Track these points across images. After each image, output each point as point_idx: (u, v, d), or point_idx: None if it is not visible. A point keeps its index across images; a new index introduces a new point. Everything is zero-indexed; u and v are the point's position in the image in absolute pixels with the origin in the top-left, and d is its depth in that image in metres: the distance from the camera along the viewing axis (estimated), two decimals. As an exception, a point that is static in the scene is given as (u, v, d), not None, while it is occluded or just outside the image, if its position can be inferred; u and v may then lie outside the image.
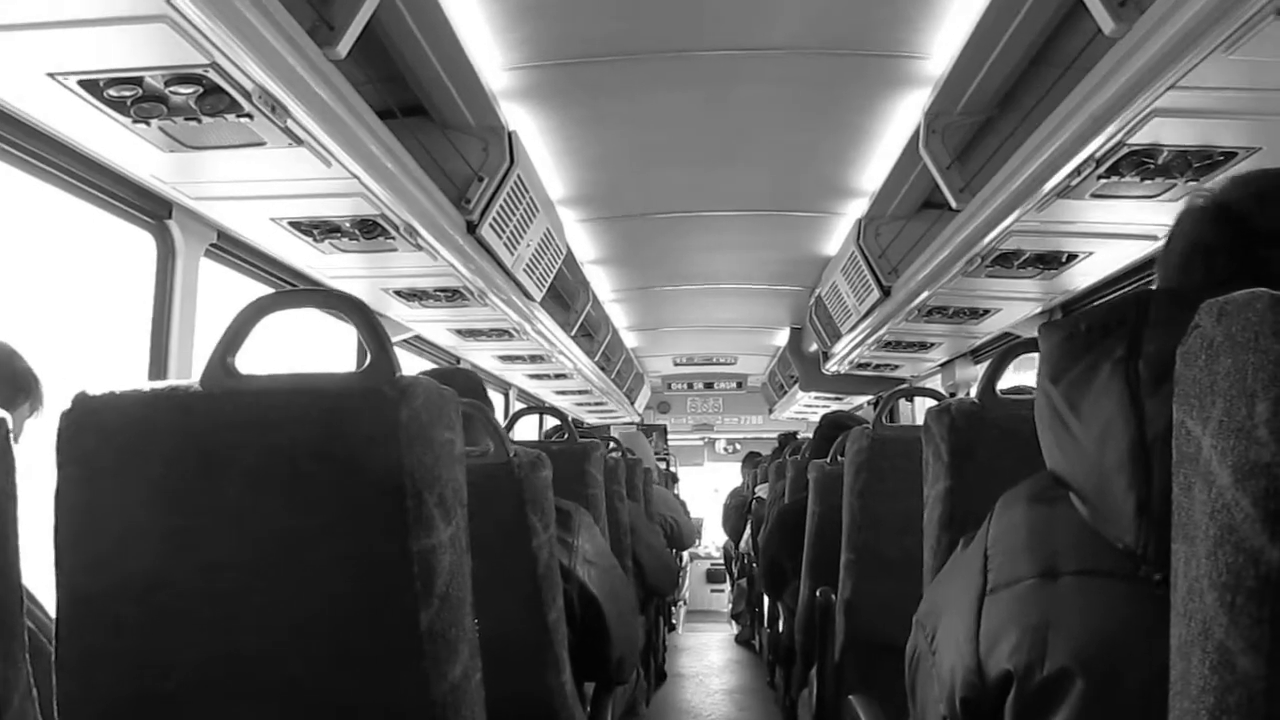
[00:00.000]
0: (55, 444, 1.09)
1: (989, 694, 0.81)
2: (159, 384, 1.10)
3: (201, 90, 1.66)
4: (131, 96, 1.68)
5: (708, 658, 6.54)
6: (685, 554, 7.79)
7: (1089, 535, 0.79)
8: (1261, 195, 0.84)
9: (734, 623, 7.73)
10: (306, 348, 3.48)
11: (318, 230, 2.51)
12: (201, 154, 1.96)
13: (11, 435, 0.90)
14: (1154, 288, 0.85)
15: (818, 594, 2.61)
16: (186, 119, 1.77)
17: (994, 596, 0.84)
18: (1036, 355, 0.90)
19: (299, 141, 1.87)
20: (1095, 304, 0.84)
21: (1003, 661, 0.78)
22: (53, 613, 1.12)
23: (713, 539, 9.58)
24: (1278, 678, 0.52)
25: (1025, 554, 0.83)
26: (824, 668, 2.58)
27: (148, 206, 2.27)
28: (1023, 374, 2.46)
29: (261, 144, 1.89)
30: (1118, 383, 0.75)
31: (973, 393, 1.51)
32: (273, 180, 2.14)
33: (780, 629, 3.86)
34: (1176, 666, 0.59)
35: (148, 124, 1.79)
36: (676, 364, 9.08)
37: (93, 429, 1.09)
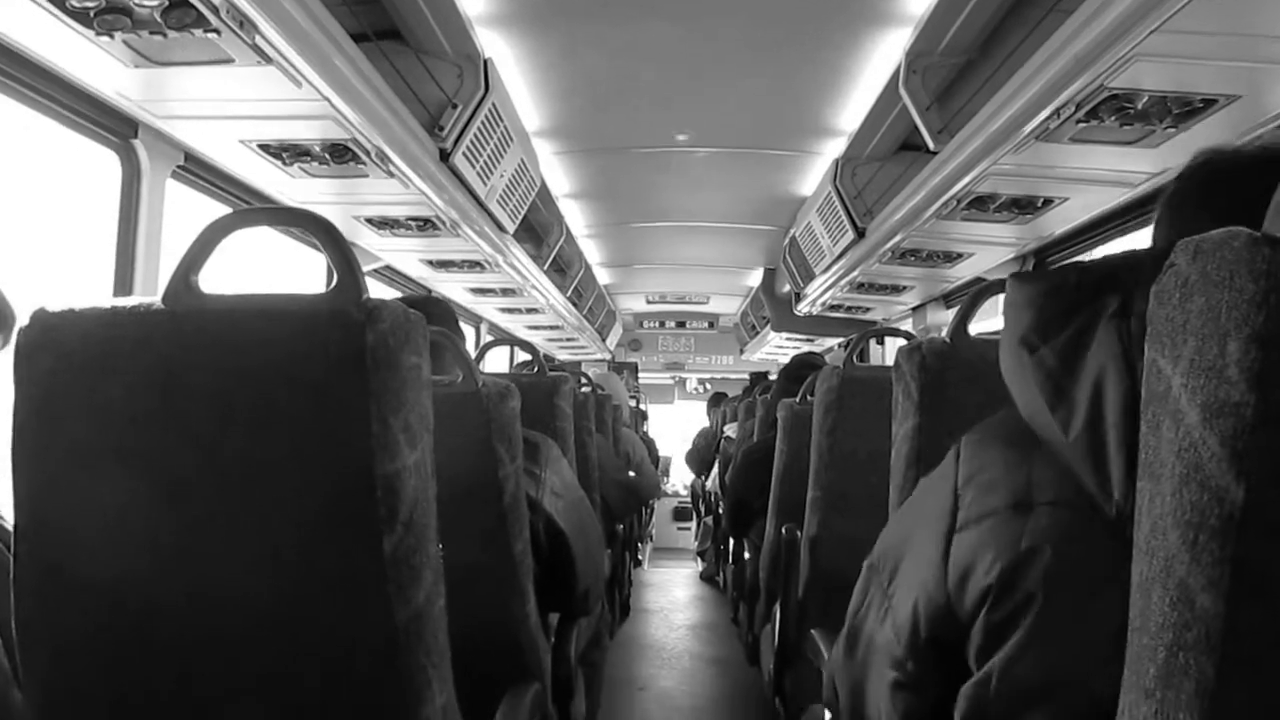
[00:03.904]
0: (13, 362, 1.06)
1: (958, 624, 0.82)
2: (120, 301, 1.07)
3: (167, 3, 1.61)
4: (95, 8, 1.63)
5: (673, 593, 6.62)
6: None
7: (1068, 474, 0.78)
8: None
9: (699, 560, 7.81)
10: (281, 280, 3.44)
11: (287, 154, 2.46)
12: (168, 70, 1.90)
13: None
14: (1146, 248, 0.84)
15: (783, 531, 2.64)
16: (152, 33, 1.72)
17: (963, 533, 0.84)
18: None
19: (268, 60, 1.82)
20: (1082, 263, 0.83)
21: (979, 582, 0.79)
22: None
23: (680, 478, 9.65)
24: (1236, 616, 0.52)
25: (998, 488, 0.83)
26: (787, 603, 2.61)
27: (113, 125, 2.21)
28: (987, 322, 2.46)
29: (230, 61, 1.84)
30: (1112, 338, 0.74)
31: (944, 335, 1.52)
32: (241, 100, 2.08)
33: (744, 566, 3.91)
34: (1136, 603, 0.59)
35: (111, 37, 1.73)
36: (649, 302, 9.07)
37: (51, 347, 1.06)
